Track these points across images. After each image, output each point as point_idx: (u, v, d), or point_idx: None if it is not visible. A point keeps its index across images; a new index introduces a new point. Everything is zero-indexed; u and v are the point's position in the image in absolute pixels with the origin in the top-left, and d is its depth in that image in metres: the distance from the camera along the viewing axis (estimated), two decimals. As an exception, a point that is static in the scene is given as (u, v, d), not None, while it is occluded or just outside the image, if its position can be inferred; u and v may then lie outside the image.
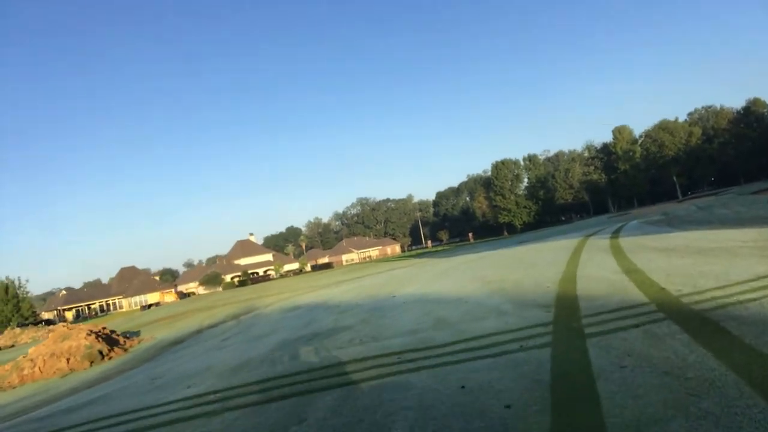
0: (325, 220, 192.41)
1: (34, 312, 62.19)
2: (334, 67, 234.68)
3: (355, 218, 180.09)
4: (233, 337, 15.02)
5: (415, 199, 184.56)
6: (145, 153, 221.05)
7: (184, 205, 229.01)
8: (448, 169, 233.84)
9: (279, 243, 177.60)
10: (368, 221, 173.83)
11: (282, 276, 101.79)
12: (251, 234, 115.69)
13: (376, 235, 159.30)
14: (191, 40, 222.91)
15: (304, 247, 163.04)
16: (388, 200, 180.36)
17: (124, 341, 20.85)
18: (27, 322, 58.68)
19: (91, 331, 18.97)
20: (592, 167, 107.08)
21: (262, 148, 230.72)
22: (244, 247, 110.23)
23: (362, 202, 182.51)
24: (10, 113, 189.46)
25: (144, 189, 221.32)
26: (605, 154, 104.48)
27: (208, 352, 13.01)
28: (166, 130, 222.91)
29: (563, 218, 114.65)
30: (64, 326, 20.35)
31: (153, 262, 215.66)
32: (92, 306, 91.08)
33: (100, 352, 17.55)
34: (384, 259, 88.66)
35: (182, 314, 32.32)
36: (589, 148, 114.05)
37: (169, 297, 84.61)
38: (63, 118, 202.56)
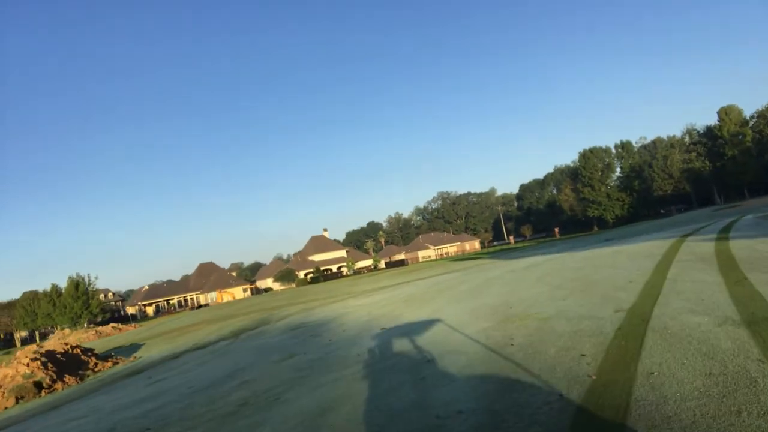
0: (405, 215, 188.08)
1: (103, 309, 63.14)
2: (419, 62, 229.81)
3: (435, 213, 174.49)
4: (156, 384, 11.08)
5: (498, 193, 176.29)
6: (248, 151, 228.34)
7: (276, 200, 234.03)
8: (533, 160, 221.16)
9: (360, 238, 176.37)
10: (448, 216, 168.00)
11: (355, 273, 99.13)
12: (325, 230, 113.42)
13: (456, 231, 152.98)
14: (268, 44, 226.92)
15: (383, 242, 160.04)
16: (469, 194, 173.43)
17: (96, 363, 17.65)
18: (98, 319, 59.55)
19: (42, 354, 15.82)
20: (694, 154, 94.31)
21: (349, 143, 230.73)
22: (317, 243, 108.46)
23: (443, 196, 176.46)
24: (111, 114, 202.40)
25: (243, 186, 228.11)
26: (709, 139, 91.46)
27: (83, 417, 9.02)
28: (262, 128, 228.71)
29: (662, 211, 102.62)
30: (27, 350, 17.35)
31: (246, 255, 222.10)
32: (171, 301, 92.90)
33: (38, 384, 14.25)
34: (455, 258, 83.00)
35: (200, 324, 29.15)
36: (690, 132, 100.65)
37: (227, 296, 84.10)
38: (161, 121, 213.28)
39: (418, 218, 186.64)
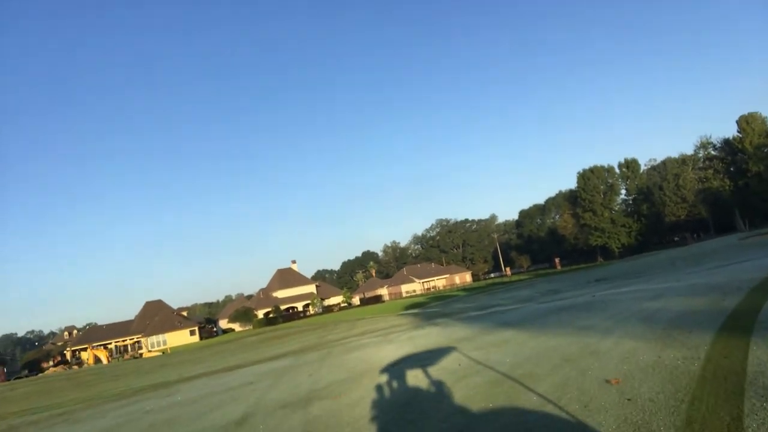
0: (403, 243, 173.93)
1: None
2: (425, 86, 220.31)
3: (431, 242, 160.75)
4: None
5: (500, 220, 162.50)
6: (248, 180, 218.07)
7: (270, 230, 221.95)
8: (535, 184, 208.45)
9: (354, 269, 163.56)
10: (444, 245, 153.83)
11: (324, 310, 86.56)
12: (293, 262, 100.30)
13: (452, 261, 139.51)
14: (270, 67, 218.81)
15: (374, 273, 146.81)
16: (466, 221, 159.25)
17: None
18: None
19: None
20: (711, 171, 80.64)
21: (347, 170, 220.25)
22: (284, 277, 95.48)
23: (442, 224, 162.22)
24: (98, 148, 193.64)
25: (236, 215, 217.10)
26: (728, 154, 78.02)
27: None
28: (265, 151, 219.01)
29: (676, 239, 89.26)
30: None
31: (245, 288, 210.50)
32: (108, 346, 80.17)
33: None
34: (426, 296, 70.12)
35: None
36: (704, 144, 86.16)
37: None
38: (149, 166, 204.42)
39: (416, 247, 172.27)
